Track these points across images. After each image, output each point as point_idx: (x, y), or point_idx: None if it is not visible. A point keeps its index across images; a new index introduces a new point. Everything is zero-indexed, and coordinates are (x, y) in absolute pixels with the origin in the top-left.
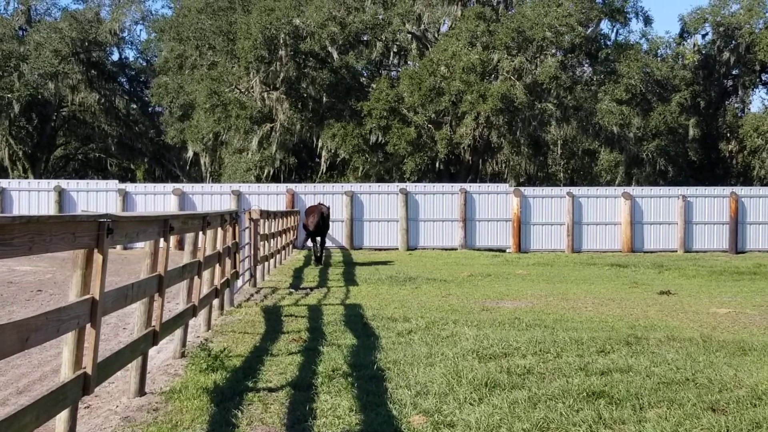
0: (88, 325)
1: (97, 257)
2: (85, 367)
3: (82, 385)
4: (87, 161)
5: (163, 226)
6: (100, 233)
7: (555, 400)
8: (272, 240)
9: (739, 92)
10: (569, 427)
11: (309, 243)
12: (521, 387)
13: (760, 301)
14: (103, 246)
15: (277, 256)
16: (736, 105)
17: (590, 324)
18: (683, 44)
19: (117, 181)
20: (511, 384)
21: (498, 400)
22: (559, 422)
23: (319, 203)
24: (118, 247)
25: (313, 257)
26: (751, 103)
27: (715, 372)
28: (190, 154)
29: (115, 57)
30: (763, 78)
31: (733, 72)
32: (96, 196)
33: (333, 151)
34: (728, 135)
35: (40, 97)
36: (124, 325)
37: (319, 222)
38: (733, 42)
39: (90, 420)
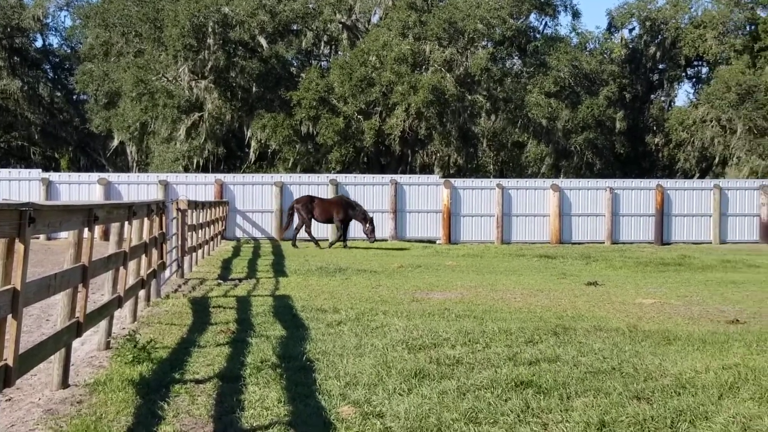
0: (10, 316)
1: (19, 247)
2: (6, 359)
3: (4, 378)
4: (9, 150)
5: (87, 215)
6: (21, 222)
7: (483, 390)
8: (200, 231)
9: (665, 86)
10: (497, 417)
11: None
12: (450, 377)
13: (685, 292)
14: (25, 235)
15: (206, 246)
16: (662, 99)
17: (519, 315)
18: (611, 39)
19: (40, 170)
20: (440, 374)
21: (427, 390)
22: (488, 411)
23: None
24: (42, 236)
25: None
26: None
27: (640, 361)
28: (116, 143)
29: (39, 44)
30: (689, 72)
31: (660, 66)
32: (18, 185)
33: (263, 141)
34: (654, 128)
35: None
36: (47, 317)
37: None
38: (660, 37)
39: (11, 413)
